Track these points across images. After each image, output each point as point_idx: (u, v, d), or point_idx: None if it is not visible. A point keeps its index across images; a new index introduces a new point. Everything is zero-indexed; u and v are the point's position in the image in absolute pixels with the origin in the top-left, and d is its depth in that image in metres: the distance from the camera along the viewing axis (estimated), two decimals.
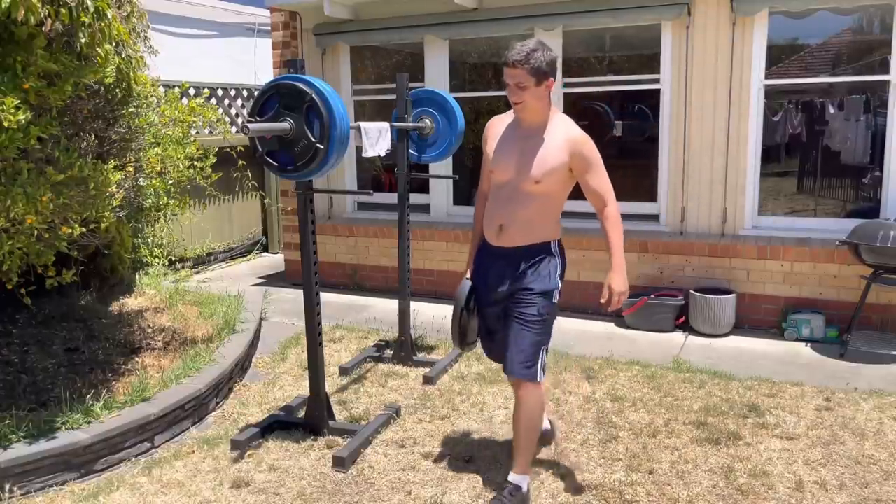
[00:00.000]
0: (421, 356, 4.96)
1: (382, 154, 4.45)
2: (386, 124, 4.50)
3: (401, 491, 3.29)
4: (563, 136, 2.98)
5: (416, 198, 6.37)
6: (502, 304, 3.14)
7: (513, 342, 3.04)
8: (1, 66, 3.19)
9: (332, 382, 4.53)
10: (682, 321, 5.66)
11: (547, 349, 3.09)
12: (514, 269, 3.08)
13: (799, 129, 6.00)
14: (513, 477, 3.12)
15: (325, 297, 5.18)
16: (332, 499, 3.25)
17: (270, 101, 3.39)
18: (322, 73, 7.00)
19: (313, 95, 3.27)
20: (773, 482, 3.31)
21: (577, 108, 6.35)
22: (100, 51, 3.48)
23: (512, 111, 3.10)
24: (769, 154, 5.77)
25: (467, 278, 3.30)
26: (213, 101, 8.19)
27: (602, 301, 3.00)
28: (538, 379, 3.03)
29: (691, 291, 5.60)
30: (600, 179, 3.02)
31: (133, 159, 4.33)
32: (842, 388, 4.40)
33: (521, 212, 3.05)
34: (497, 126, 3.18)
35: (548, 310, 3.07)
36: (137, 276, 6.22)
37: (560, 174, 3.00)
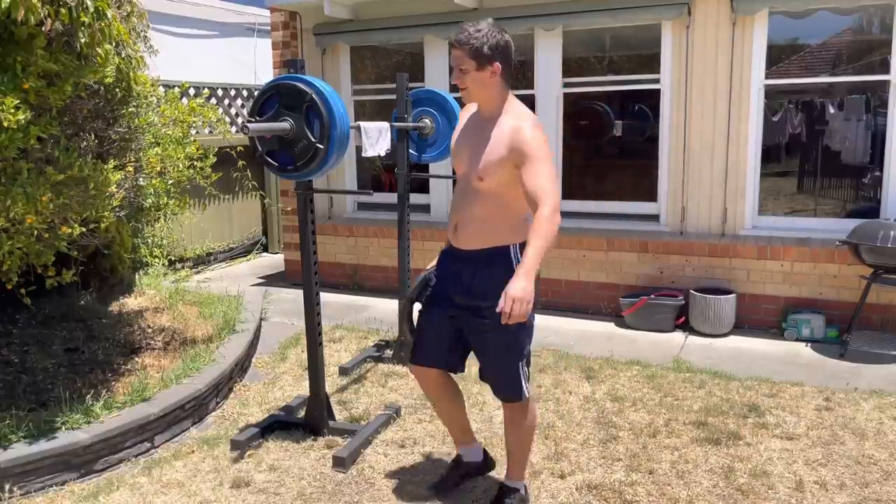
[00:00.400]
0: None
1: (382, 154, 4.44)
2: (386, 124, 4.50)
3: (401, 491, 3.29)
4: (508, 129, 2.68)
5: (416, 198, 6.37)
6: (457, 313, 2.89)
7: (492, 369, 2.90)
8: (1, 66, 3.19)
9: (332, 382, 4.53)
10: (682, 321, 5.66)
11: (528, 359, 2.89)
12: (469, 276, 2.81)
13: (799, 129, 5.99)
14: (509, 483, 3.08)
15: (325, 297, 5.18)
16: (332, 499, 3.25)
17: (270, 100, 3.39)
18: (322, 73, 7.00)
19: (313, 95, 3.27)
20: (774, 482, 3.31)
21: (577, 108, 6.35)
22: (100, 51, 3.48)
23: None
24: (769, 154, 5.77)
25: (427, 269, 3.10)
26: (213, 101, 8.19)
27: (497, 310, 2.47)
28: (527, 395, 2.88)
29: (691, 291, 5.60)
30: (536, 177, 2.58)
31: (133, 159, 4.33)
32: (842, 388, 4.40)
33: (474, 210, 2.80)
34: (465, 113, 2.97)
35: (516, 327, 2.73)
36: (137, 276, 6.22)
37: (504, 171, 2.69)
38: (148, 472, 3.49)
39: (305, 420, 3.88)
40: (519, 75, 6.52)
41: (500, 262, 2.78)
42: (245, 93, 8.88)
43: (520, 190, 2.68)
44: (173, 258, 7.41)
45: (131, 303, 5.58)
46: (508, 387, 2.87)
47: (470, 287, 2.82)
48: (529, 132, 2.66)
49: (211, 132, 7.30)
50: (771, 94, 5.68)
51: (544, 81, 6.18)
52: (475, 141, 2.79)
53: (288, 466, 3.52)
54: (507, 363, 2.83)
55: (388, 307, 6.15)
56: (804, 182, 6.16)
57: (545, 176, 2.59)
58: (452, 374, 3.10)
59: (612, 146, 6.79)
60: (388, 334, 5.46)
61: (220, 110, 6.88)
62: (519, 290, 2.43)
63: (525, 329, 2.82)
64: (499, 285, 2.59)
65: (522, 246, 2.76)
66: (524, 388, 2.87)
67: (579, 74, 6.27)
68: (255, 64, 10.29)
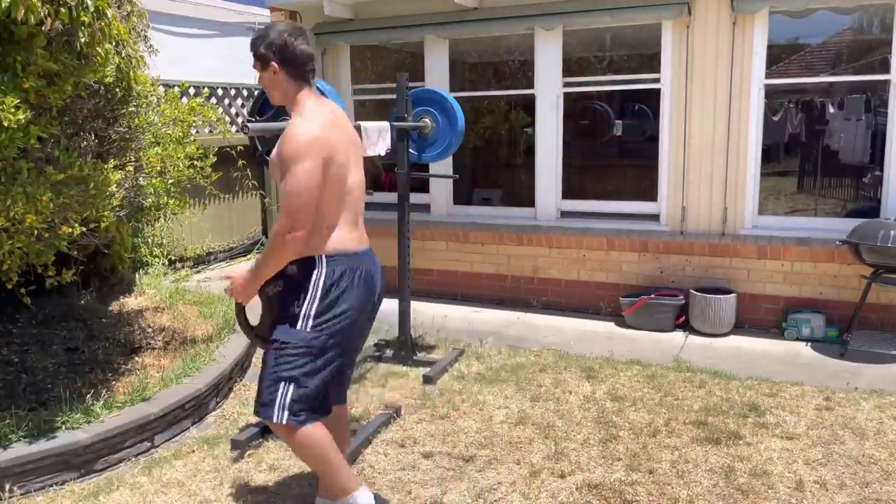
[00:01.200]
0: (421, 356, 4.96)
1: (382, 154, 4.44)
2: (386, 124, 4.50)
3: (401, 491, 3.29)
4: (285, 132, 2.57)
5: (415, 197, 6.37)
6: None
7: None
8: (1, 65, 3.19)
9: None
10: (683, 321, 5.66)
11: (296, 385, 2.63)
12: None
13: (799, 129, 6.00)
14: (319, 496, 2.92)
15: None
16: None
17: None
18: (322, 72, 7.00)
19: None
20: (774, 482, 3.31)
21: (577, 107, 6.35)
22: (100, 50, 3.48)
23: None
24: (769, 153, 5.77)
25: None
26: (213, 100, 8.19)
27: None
28: (279, 421, 2.63)
29: (691, 291, 5.60)
30: (282, 190, 2.49)
31: (133, 159, 4.33)
32: (842, 387, 4.40)
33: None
34: None
35: (288, 338, 2.62)
36: (137, 276, 6.22)
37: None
38: (148, 471, 3.49)
39: None
40: (519, 75, 6.52)
41: (301, 272, 2.65)
42: (245, 92, 8.88)
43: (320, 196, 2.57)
44: (173, 258, 7.41)
45: (131, 302, 5.57)
46: (261, 401, 2.69)
47: None
48: (292, 137, 2.52)
49: (211, 132, 7.29)
50: (771, 93, 5.68)
51: (544, 81, 6.18)
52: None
53: (288, 466, 3.52)
54: (267, 371, 2.69)
55: (387, 307, 6.11)
56: (804, 182, 6.16)
57: (287, 193, 2.49)
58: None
59: (612, 146, 6.79)
60: (387, 334, 5.45)
61: (220, 110, 6.88)
62: (237, 273, 2.68)
63: (301, 348, 2.63)
64: (291, 293, 2.63)
65: (327, 255, 2.66)
66: (276, 411, 2.63)
67: (579, 74, 6.27)
68: None
